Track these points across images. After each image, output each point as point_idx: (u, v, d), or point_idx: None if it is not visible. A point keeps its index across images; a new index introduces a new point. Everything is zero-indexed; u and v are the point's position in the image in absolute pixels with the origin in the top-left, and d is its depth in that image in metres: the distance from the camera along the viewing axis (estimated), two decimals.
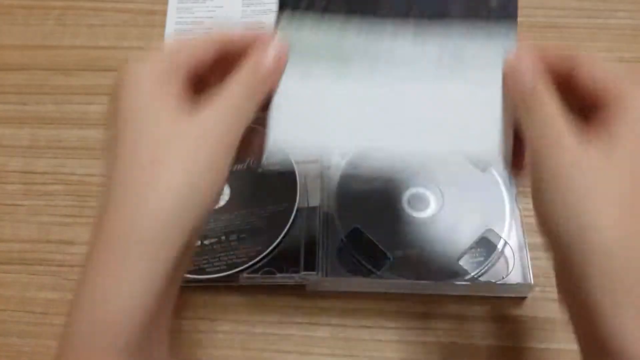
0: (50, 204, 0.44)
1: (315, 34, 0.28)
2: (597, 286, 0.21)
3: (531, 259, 0.40)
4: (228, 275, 0.39)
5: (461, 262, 0.40)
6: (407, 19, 0.28)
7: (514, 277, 0.40)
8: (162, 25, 0.53)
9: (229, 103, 0.24)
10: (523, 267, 0.40)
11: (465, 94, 0.28)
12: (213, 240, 0.41)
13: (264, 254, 0.40)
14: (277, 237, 0.41)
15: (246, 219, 0.41)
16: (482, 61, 0.27)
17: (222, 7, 0.54)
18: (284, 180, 0.43)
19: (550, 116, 0.23)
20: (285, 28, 0.29)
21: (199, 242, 0.40)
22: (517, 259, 0.40)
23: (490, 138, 0.27)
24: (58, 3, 0.54)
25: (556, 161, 0.22)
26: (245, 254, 0.40)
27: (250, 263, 0.40)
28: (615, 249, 0.21)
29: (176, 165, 0.22)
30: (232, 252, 0.40)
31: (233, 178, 0.43)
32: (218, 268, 0.40)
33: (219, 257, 0.40)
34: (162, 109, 0.23)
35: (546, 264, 0.41)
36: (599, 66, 0.24)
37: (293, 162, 0.43)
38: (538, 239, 0.41)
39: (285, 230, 0.41)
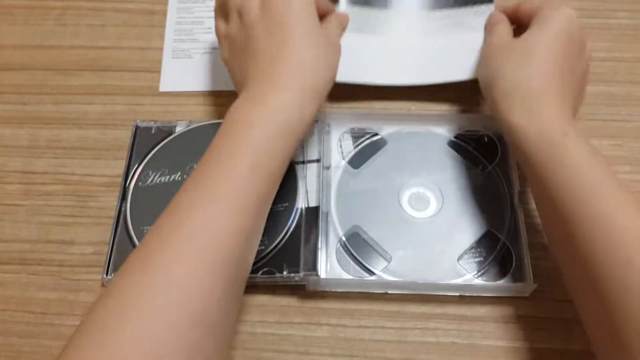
0: (50, 204, 0.44)
1: (359, 12, 0.49)
2: (501, 98, 0.39)
3: (531, 259, 0.40)
4: None
5: (461, 262, 0.40)
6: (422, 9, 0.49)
7: (514, 277, 0.40)
8: (162, 25, 0.53)
9: (337, 26, 0.46)
10: (523, 267, 0.40)
11: (460, 44, 0.47)
12: None
13: (265, 253, 0.40)
14: (278, 237, 0.41)
15: None
16: (473, 25, 0.47)
17: None
18: (284, 180, 0.43)
19: (499, 31, 0.43)
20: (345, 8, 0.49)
21: None
22: (517, 258, 0.40)
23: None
24: (58, 3, 0.54)
25: (494, 51, 0.42)
26: None
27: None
28: (507, 84, 0.39)
29: (327, 55, 0.40)
30: None
31: None
32: None
33: None
34: (314, 23, 0.40)
35: (546, 264, 0.41)
36: (530, 1, 0.43)
37: (293, 162, 0.43)
38: (538, 239, 0.42)
39: (286, 230, 0.41)
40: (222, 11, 0.42)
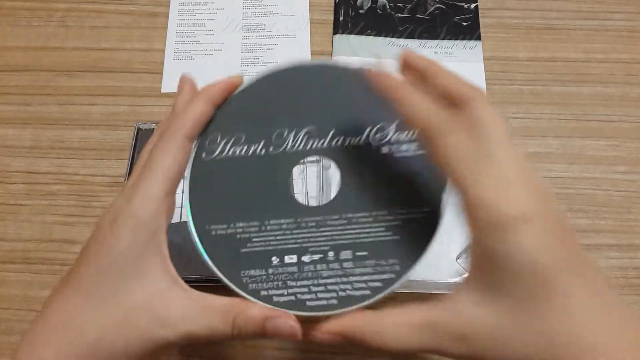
0: (53, 204, 0.45)
1: (358, 41, 0.51)
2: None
3: None
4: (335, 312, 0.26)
5: (459, 261, 0.40)
6: (414, 38, 0.52)
7: None
8: (164, 27, 0.53)
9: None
10: None
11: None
12: (315, 256, 0.27)
13: (396, 283, 0.26)
14: (415, 259, 0.27)
15: (365, 228, 0.27)
16: (462, 56, 0.50)
17: (223, 9, 0.54)
18: (426, 170, 0.27)
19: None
20: (337, 41, 0.51)
21: (295, 259, 0.27)
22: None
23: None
24: (61, 5, 0.54)
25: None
26: (366, 283, 0.27)
27: (375, 299, 0.26)
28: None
29: (127, 326, 0.25)
30: (344, 279, 0.27)
31: (344, 158, 0.28)
32: (325, 302, 0.27)
33: (326, 284, 0.27)
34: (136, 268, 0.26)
35: None
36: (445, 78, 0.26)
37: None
38: None
39: (427, 247, 0.27)
40: None
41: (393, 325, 0.24)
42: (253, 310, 0.26)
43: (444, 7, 0.53)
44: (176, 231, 0.41)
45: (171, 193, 0.26)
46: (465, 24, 0.52)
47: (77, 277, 0.26)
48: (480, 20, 0.53)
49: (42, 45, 0.52)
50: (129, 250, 0.25)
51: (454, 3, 0.53)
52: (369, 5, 0.54)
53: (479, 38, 0.52)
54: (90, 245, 0.27)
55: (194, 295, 0.25)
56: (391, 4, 0.54)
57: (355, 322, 0.25)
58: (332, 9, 0.54)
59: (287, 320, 0.26)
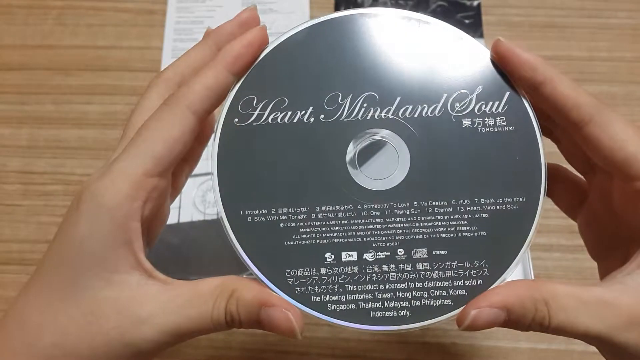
0: (50, 204, 0.44)
1: None
2: None
3: (532, 258, 0.40)
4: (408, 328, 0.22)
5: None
6: None
7: (515, 277, 0.39)
8: (162, 25, 0.53)
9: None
10: (524, 267, 0.40)
11: None
12: (381, 254, 0.22)
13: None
14: (509, 261, 0.23)
15: (444, 220, 0.23)
16: None
17: (221, 6, 0.54)
18: (519, 150, 0.23)
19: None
20: None
21: (355, 257, 0.22)
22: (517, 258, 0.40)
23: None
24: (57, 3, 0.54)
25: None
26: (446, 291, 0.22)
27: (456, 312, 0.22)
28: None
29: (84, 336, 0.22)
30: (419, 284, 0.22)
31: (415, 131, 0.25)
32: (394, 314, 0.22)
33: (396, 290, 0.22)
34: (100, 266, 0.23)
35: (546, 263, 0.41)
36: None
37: (532, 114, 0.23)
38: (538, 239, 0.42)
39: (523, 246, 0.23)
40: None
41: (576, 299, 0.20)
42: (246, 292, 0.21)
43: (446, 4, 0.53)
44: (173, 232, 0.41)
45: (157, 174, 0.22)
46: (467, 21, 0.52)
47: (41, 267, 0.23)
48: (483, 17, 0.52)
49: (38, 44, 0.52)
50: (89, 240, 0.21)
51: (457, 0, 0.53)
52: (370, 2, 0.53)
53: (481, 36, 0.51)
54: (59, 228, 0.23)
55: (178, 286, 0.22)
56: (393, 1, 0.53)
57: (531, 290, 0.21)
58: (333, 6, 0.53)
59: (286, 312, 0.21)
